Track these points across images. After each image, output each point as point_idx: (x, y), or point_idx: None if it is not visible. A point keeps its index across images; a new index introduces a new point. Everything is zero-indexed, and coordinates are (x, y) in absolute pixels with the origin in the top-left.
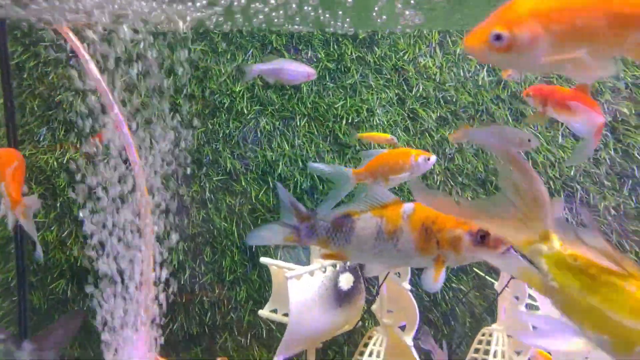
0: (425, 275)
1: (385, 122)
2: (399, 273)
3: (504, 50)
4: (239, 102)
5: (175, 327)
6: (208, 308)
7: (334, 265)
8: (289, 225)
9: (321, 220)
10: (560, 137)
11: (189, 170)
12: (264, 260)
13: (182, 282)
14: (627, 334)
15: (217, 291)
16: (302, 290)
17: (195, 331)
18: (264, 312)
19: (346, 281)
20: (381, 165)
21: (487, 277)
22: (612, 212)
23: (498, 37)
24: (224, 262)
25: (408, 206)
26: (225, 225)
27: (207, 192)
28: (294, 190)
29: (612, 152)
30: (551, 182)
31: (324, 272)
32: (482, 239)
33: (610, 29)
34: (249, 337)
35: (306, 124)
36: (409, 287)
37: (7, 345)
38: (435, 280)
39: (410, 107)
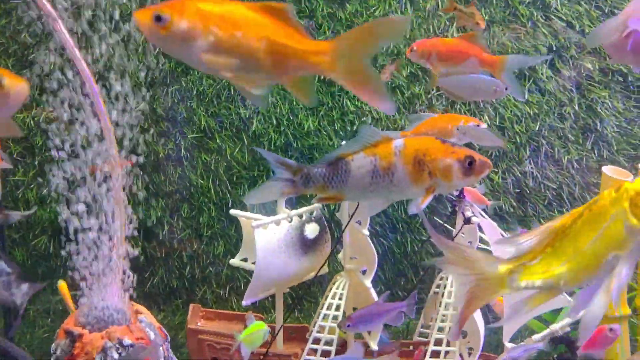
0: (414, 202)
1: None
2: (359, 221)
3: (164, 32)
4: None
5: (155, 280)
6: (187, 262)
7: (300, 216)
8: (283, 179)
9: (315, 167)
10: (527, 92)
11: (163, 128)
12: (233, 212)
13: (160, 238)
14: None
15: (195, 246)
16: (268, 238)
17: (175, 284)
18: (235, 261)
19: (311, 230)
20: (429, 130)
21: (445, 224)
22: (575, 165)
23: (158, 18)
24: (201, 219)
25: (398, 142)
26: (202, 182)
27: (182, 150)
28: (268, 147)
29: (576, 107)
30: (517, 137)
31: (290, 221)
32: (470, 165)
33: (264, 54)
34: (227, 290)
35: None
36: (367, 233)
37: (10, 279)
38: (421, 204)
39: (381, 63)
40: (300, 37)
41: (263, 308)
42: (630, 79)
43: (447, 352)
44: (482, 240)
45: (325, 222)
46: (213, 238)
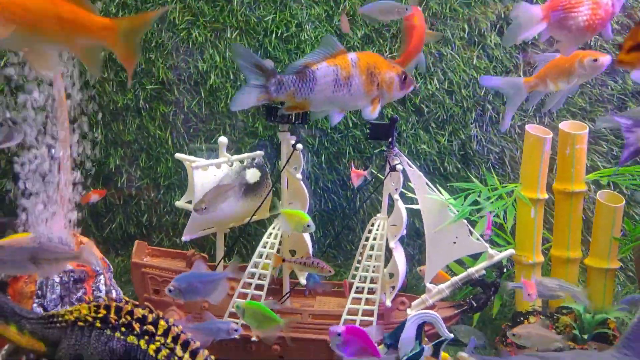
0: (366, 111)
1: (314, 38)
2: (295, 167)
3: None
4: (171, 13)
5: (114, 226)
6: (145, 210)
7: (242, 161)
8: (258, 85)
9: (285, 75)
10: (475, 58)
11: (122, 78)
12: (178, 155)
13: (119, 185)
14: None
15: (152, 195)
16: (207, 179)
17: (132, 231)
18: (180, 203)
19: (252, 175)
20: (550, 70)
21: (378, 175)
22: (518, 130)
23: None
24: (159, 168)
25: (352, 54)
26: (159, 133)
27: (141, 101)
28: (225, 101)
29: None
30: (464, 101)
31: (231, 165)
32: (404, 80)
33: (56, 29)
34: None
35: (237, 36)
36: (300, 177)
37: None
38: (372, 112)
39: (337, 23)
40: (88, 13)
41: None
42: None
43: (371, 290)
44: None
45: (266, 169)
46: (170, 188)
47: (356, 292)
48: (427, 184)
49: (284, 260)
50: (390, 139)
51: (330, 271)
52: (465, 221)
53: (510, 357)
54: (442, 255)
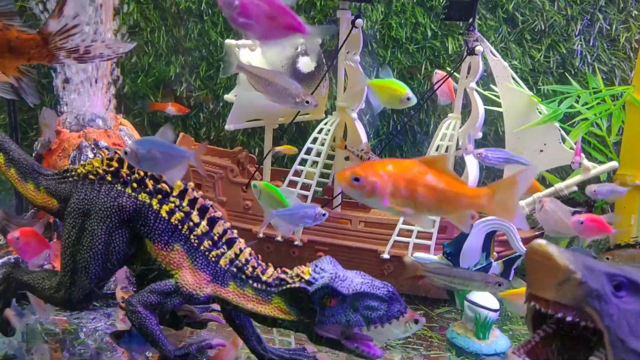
0: None
1: None
2: (354, 51)
3: None
4: None
5: None
6: (204, 122)
7: (296, 47)
8: None
9: None
10: None
11: None
12: (228, 41)
13: (178, 95)
14: None
15: (212, 107)
16: (253, 60)
17: None
18: (229, 96)
19: (305, 65)
20: None
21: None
22: (634, 45)
23: None
24: (219, 79)
25: None
26: (221, 40)
27: (203, 4)
28: None
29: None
30: (568, 9)
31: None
32: None
33: None
34: None
35: None
36: (358, 59)
37: None
38: None
39: None
40: None
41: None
42: None
43: None
44: None
45: (322, 58)
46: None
47: None
48: (513, 78)
49: (345, 147)
50: (470, 20)
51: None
52: (557, 125)
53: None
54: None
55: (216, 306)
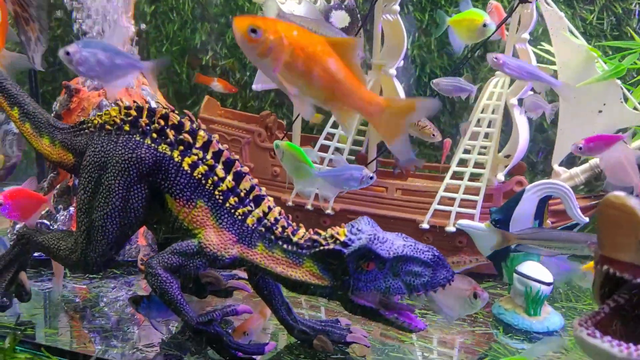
0: None
1: None
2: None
3: None
4: None
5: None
6: (230, 94)
7: (328, 0)
8: None
9: None
10: None
11: None
12: None
13: (204, 63)
14: None
15: (238, 76)
16: (285, 9)
17: None
18: None
19: (339, 19)
20: None
21: None
22: None
23: None
24: None
25: None
26: (248, 6)
27: None
28: None
29: None
30: None
31: (315, 2)
32: None
33: None
34: None
35: None
36: (398, 8)
37: None
38: None
39: None
40: None
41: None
42: None
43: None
44: None
45: (357, 13)
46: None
47: (459, 165)
48: (569, 30)
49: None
50: None
51: (433, 134)
52: (619, 82)
53: None
54: (580, 126)
55: (243, 274)
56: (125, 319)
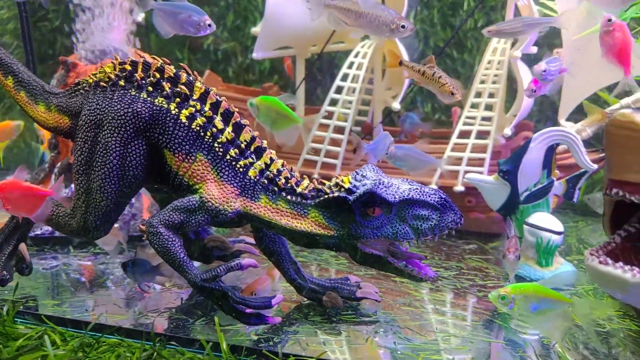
0: None
1: None
2: None
3: None
4: None
5: None
6: (232, 77)
7: None
8: None
9: None
10: None
11: None
12: None
13: (204, 48)
14: None
15: (240, 59)
16: None
17: None
18: (255, 30)
19: None
20: None
21: None
22: None
23: None
24: (246, 29)
25: None
26: None
27: None
28: None
29: None
30: None
31: None
32: None
33: None
34: None
35: None
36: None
37: None
38: None
39: None
40: None
41: None
42: None
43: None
44: None
45: None
46: None
47: (465, 123)
48: None
49: (401, 63)
50: None
51: (453, 92)
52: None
53: None
54: (585, 81)
55: (249, 239)
56: (133, 291)
